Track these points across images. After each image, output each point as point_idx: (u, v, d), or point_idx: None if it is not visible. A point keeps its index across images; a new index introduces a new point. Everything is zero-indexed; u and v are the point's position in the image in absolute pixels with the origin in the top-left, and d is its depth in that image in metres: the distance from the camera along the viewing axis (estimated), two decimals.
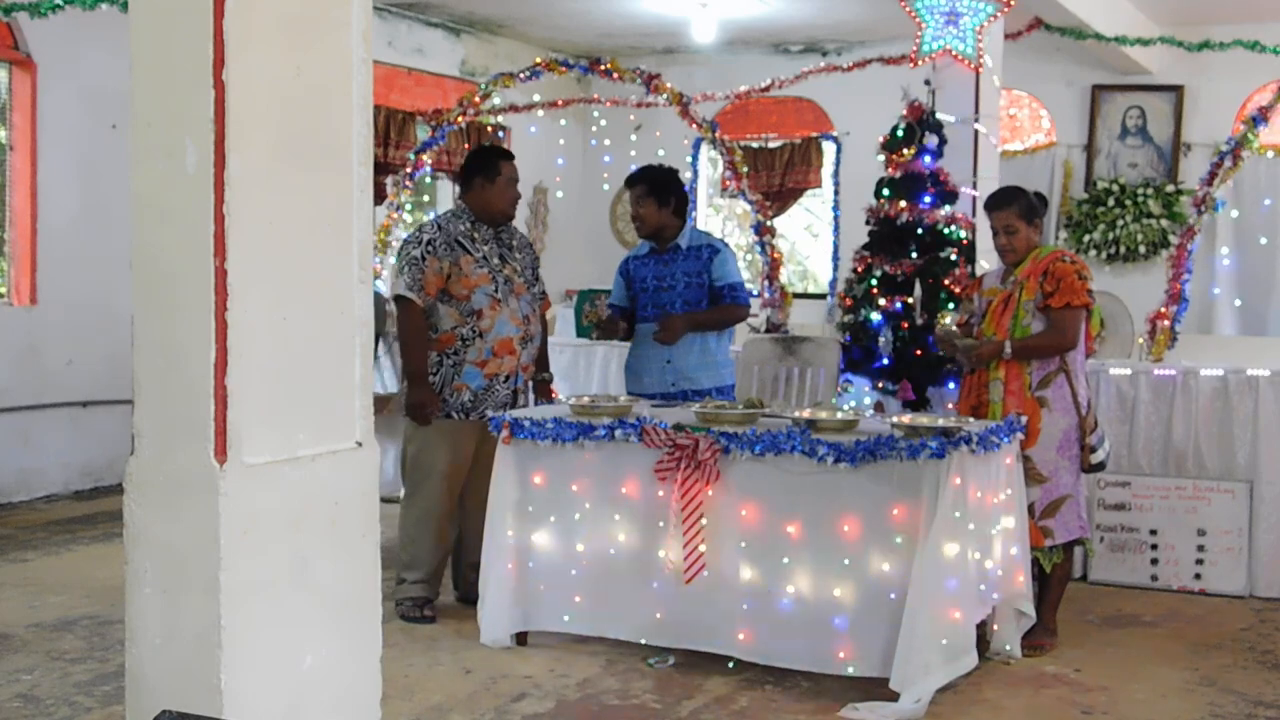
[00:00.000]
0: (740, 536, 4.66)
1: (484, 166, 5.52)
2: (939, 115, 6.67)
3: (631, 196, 5.85)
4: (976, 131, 6.94)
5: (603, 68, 8.07)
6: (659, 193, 5.79)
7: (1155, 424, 6.35)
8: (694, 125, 8.03)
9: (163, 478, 2.83)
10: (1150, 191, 10.41)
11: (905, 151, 6.58)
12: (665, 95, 7.99)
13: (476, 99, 8.70)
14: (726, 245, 5.93)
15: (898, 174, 6.60)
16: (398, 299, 5.40)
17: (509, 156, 5.64)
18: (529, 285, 5.61)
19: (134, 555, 2.88)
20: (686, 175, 11.50)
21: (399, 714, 4.23)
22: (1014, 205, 5.22)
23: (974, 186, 6.82)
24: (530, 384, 5.65)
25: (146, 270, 2.87)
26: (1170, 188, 10.37)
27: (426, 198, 11.46)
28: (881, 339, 6.42)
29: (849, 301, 6.66)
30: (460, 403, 5.42)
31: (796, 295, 8.85)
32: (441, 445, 5.41)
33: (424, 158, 8.68)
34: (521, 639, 5.08)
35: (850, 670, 4.53)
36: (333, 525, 3.01)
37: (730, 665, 4.75)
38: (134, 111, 2.86)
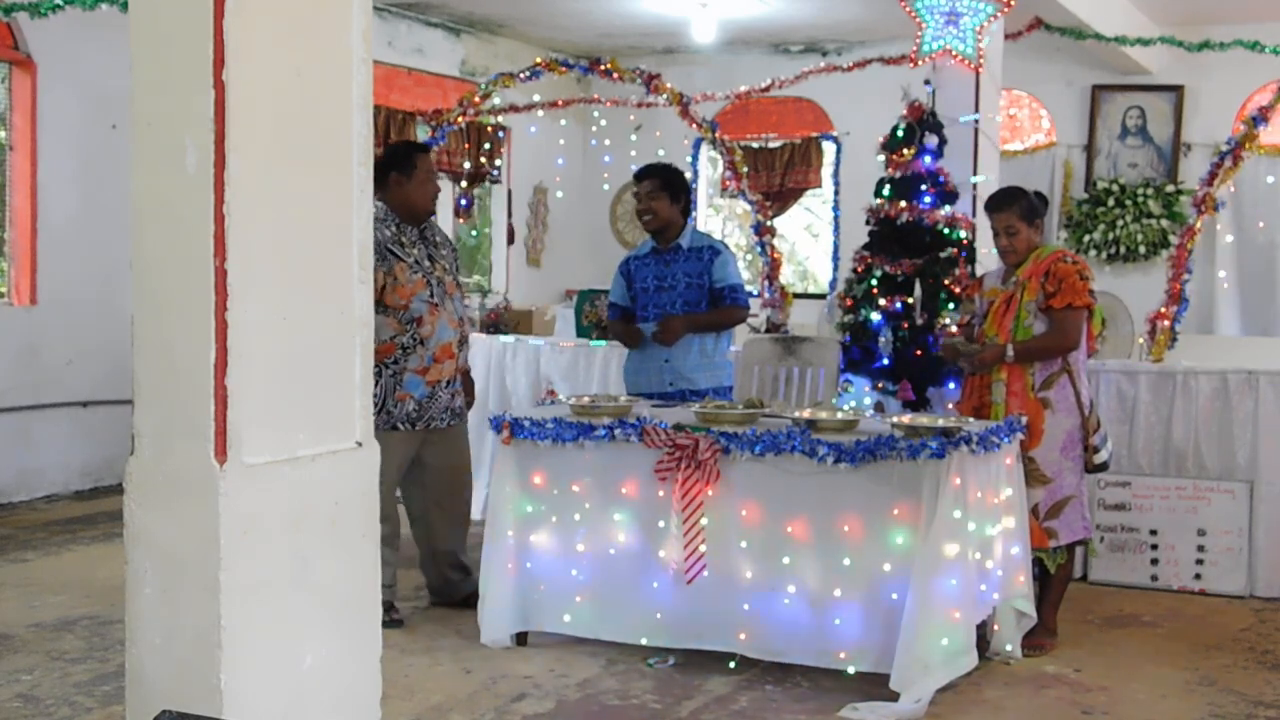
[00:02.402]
0: (741, 536, 4.66)
1: (398, 162, 5.37)
2: (939, 115, 6.67)
3: (642, 190, 5.85)
4: (976, 131, 6.94)
5: (603, 68, 8.06)
6: (672, 188, 5.81)
7: (1155, 424, 6.35)
8: (694, 125, 8.02)
9: (163, 478, 2.83)
10: (1150, 191, 10.41)
11: (905, 151, 6.58)
12: (665, 95, 7.98)
13: (476, 99, 8.69)
14: (727, 247, 5.95)
15: (898, 174, 6.60)
16: None
17: (424, 149, 5.54)
18: (457, 284, 5.52)
19: (134, 555, 2.88)
20: (686, 175, 11.48)
21: (399, 714, 4.23)
22: (1015, 206, 5.22)
23: (974, 187, 6.82)
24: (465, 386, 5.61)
25: (146, 270, 2.86)
26: (1170, 188, 10.37)
27: None
28: (881, 339, 6.42)
29: (849, 301, 6.66)
30: (405, 413, 5.30)
31: (796, 295, 8.84)
32: (384, 456, 5.29)
33: None
34: (521, 639, 5.08)
35: (851, 670, 4.53)
36: (333, 525, 3.01)
37: (730, 665, 4.75)
38: (134, 111, 2.86)
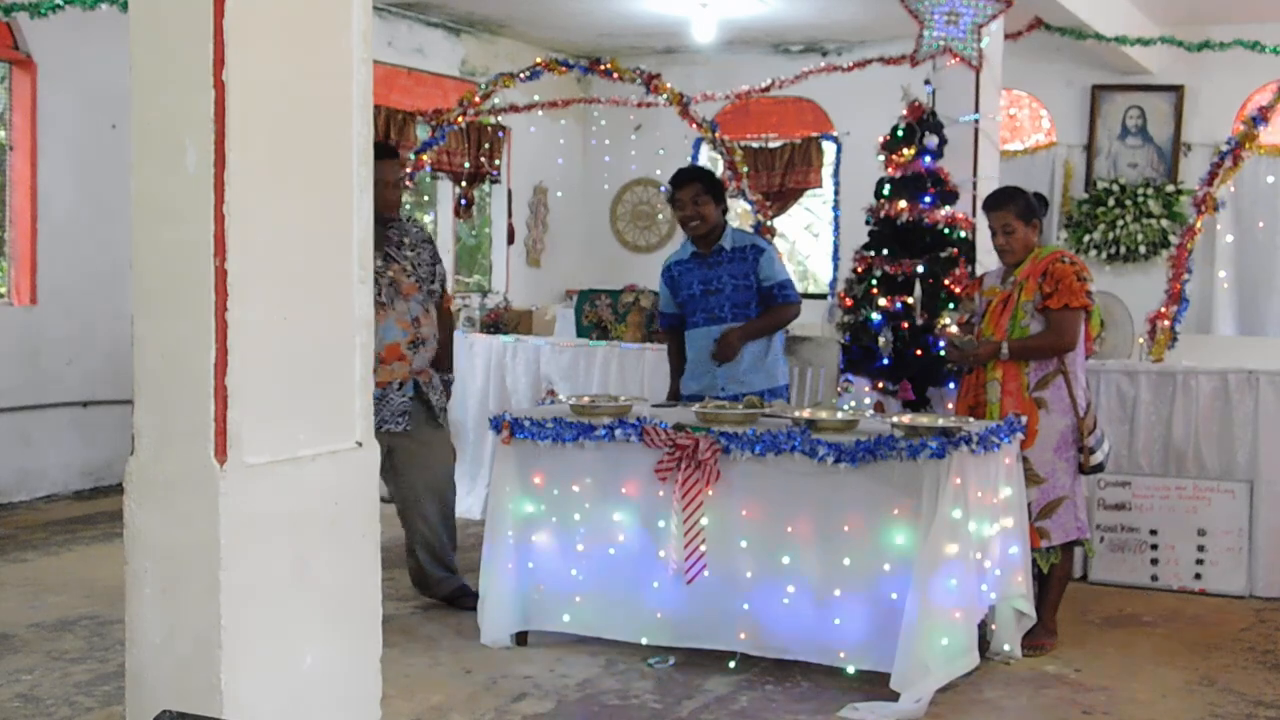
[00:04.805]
0: (741, 536, 4.66)
1: None
2: (939, 115, 6.67)
3: (686, 196, 5.67)
4: (976, 131, 6.93)
5: (603, 68, 8.06)
6: (714, 190, 5.69)
7: (1155, 424, 6.35)
8: (694, 125, 8.02)
9: (163, 478, 2.83)
10: (1150, 191, 10.41)
11: (905, 151, 6.58)
12: (665, 95, 7.98)
13: (476, 99, 8.69)
14: (770, 243, 5.81)
15: (898, 174, 6.59)
16: None
17: (391, 154, 5.37)
18: (421, 284, 5.36)
19: (134, 555, 2.88)
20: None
21: (399, 714, 4.23)
22: (1012, 205, 5.22)
23: (974, 187, 6.81)
24: (430, 387, 5.39)
25: (146, 270, 2.87)
26: (1170, 188, 10.38)
27: (426, 197, 11.46)
28: (881, 339, 6.41)
29: (849, 301, 6.66)
30: None
31: None
32: None
33: (424, 158, 8.68)
34: (521, 639, 5.08)
35: (851, 669, 4.54)
36: (333, 525, 3.01)
37: (730, 665, 4.75)
38: (134, 111, 2.86)
